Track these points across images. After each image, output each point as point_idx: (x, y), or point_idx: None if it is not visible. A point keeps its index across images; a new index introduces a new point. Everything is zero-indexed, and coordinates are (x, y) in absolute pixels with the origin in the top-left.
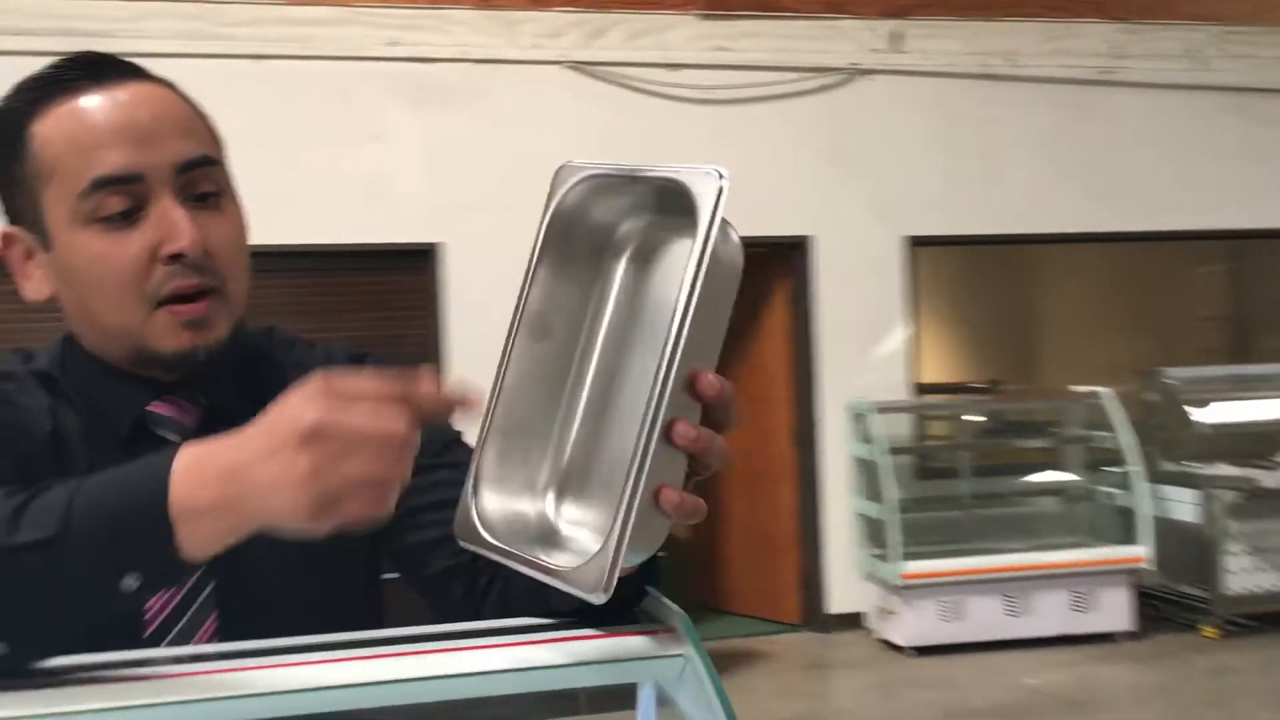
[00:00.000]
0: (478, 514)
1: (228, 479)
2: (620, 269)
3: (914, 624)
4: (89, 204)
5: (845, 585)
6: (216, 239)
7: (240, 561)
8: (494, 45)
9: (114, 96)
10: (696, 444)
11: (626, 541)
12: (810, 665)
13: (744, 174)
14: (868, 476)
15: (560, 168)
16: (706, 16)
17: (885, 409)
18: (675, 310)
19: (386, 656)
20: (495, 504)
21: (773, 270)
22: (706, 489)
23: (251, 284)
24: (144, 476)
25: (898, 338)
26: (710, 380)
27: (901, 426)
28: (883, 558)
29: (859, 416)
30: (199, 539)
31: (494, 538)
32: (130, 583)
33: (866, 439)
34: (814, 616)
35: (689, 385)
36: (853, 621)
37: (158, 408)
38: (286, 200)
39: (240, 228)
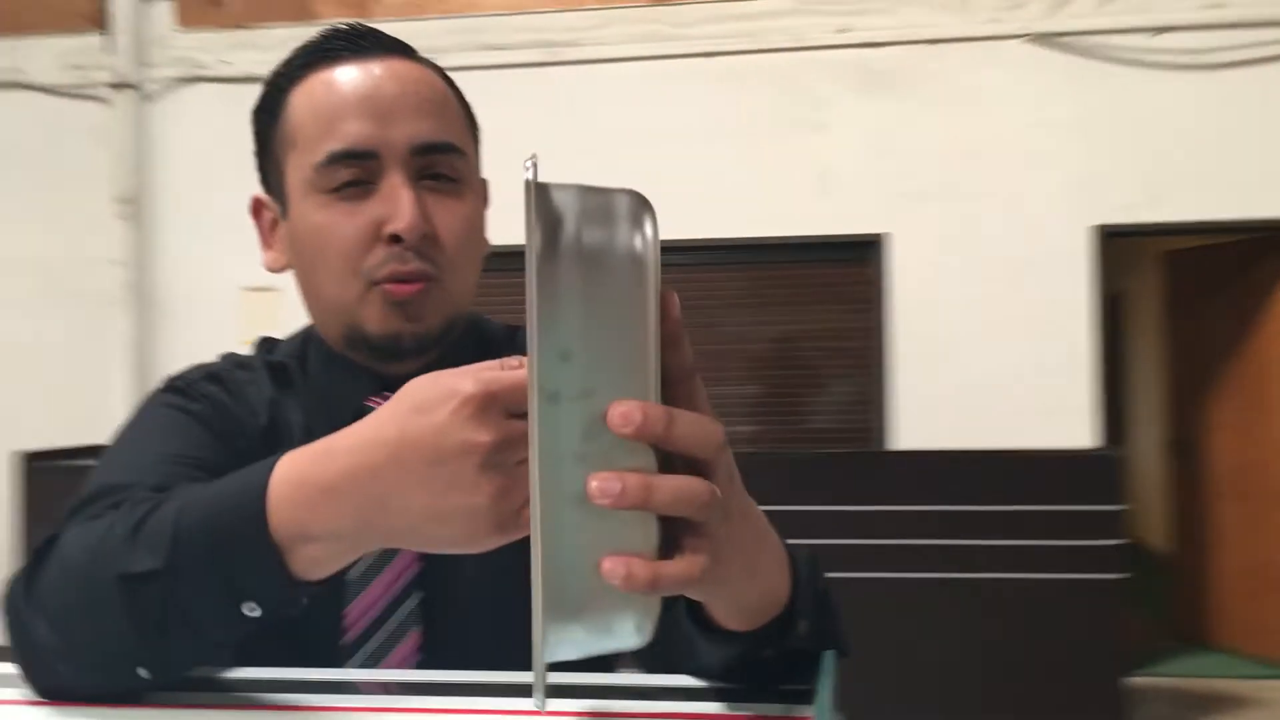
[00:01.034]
0: None
1: (350, 503)
2: None
3: None
4: (324, 175)
5: None
6: (444, 225)
7: (449, 580)
8: (947, 24)
9: (368, 70)
10: (623, 499)
11: (544, 636)
12: None
13: (1235, 147)
14: None
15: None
16: None
17: None
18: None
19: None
20: None
21: (1276, 258)
22: (1192, 504)
23: (477, 278)
24: (240, 499)
25: None
26: (623, 412)
27: None
28: None
29: None
30: (314, 563)
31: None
32: (251, 610)
33: None
34: None
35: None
36: None
37: (376, 403)
38: (735, 193)
39: (472, 220)
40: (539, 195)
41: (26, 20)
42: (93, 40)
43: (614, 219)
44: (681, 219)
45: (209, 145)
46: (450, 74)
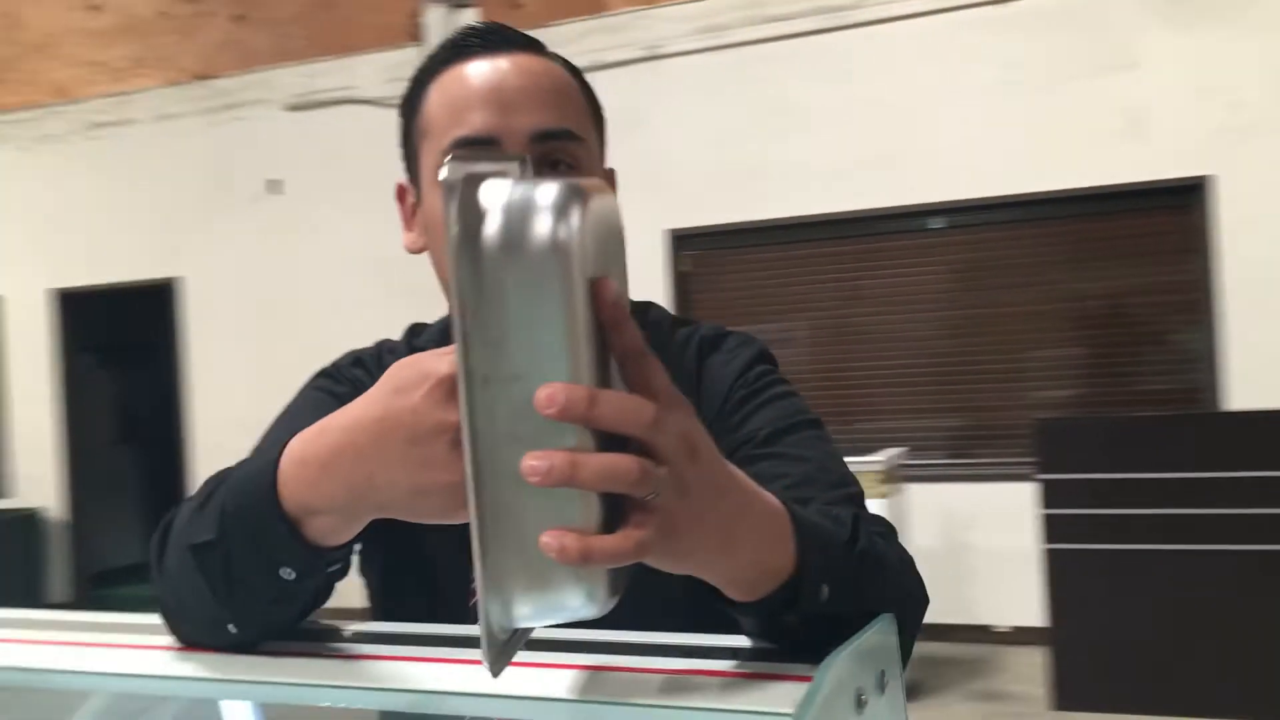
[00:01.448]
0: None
1: (341, 479)
2: None
3: None
4: None
5: None
6: None
7: None
8: None
9: (496, 64)
10: (550, 477)
11: (489, 610)
12: None
13: None
14: None
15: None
16: None
17: None
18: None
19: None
20: None
21: None
22: None
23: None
24: (259, 478)
25: None
26: (547, 394)
27: None
28: None
29: None
30: (326, 532)
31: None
32: (287, 574)
33: None
34: None
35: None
36: None
37: None
38: (1037, 146)
39: None
40: (464, 189)
41: (355, 41)
42: (410, 53)
43: (537, 210)
44: (981, 178)
45: None
46: (736, 50)
